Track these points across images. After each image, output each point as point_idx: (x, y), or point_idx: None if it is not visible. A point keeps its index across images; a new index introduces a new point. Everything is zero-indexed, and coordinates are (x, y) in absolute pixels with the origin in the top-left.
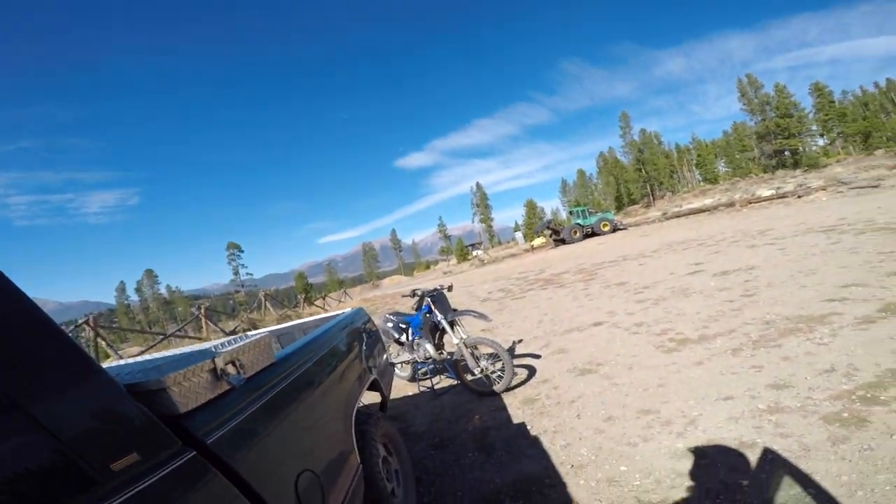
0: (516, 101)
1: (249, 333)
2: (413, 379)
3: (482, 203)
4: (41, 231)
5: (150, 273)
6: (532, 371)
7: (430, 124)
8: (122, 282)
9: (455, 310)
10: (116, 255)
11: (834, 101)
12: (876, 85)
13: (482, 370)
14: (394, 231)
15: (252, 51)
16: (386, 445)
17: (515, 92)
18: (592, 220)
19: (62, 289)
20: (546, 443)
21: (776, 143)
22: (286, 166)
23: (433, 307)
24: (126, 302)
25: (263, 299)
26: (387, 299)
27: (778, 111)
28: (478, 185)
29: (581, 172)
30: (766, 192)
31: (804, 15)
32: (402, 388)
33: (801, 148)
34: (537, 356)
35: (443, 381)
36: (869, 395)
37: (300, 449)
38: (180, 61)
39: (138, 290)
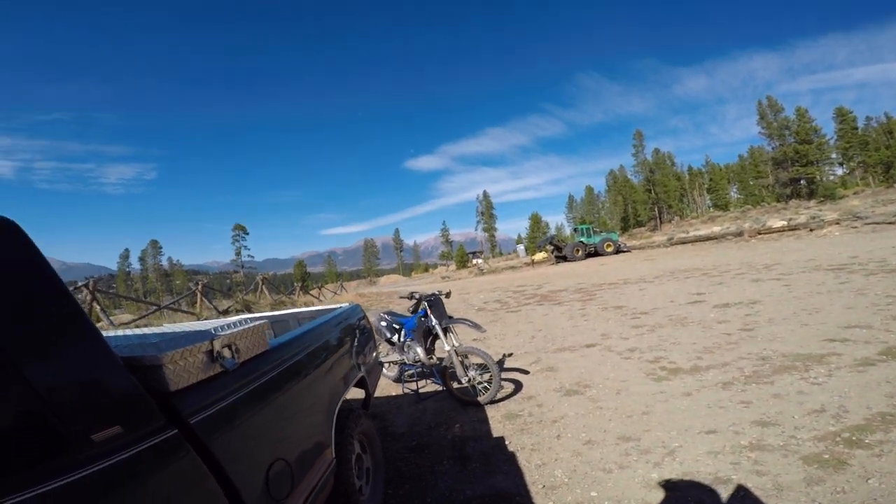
0: (531, 111)
1: (247, 317)
2: (398, 380)
3: (487, 212)
4: (59, 195)
5: (154, 244)
6: (519, 386)
7: (442, 128)
8: (126, 249)
9: (451, 317)
10: (127, 224)
11: (857, 128)
12: None
13: (470, 380)
14: (397, 230)
15: (273, 45)
16: (362, 443)
17: (531, 102)
18: (596, 239)
19: (68, 249)
20: (522, 460)
21: (793, 170)
22: (298, 157)
23: (429, 311)
24: (127, 269)
25: (261, 282)
26: (382, 297)
27: (797, 136)
28: (485, 193)
29: (589, 189)
30: (777, 223)
31: (833, 35)
32: (386, 387)
33: (818, 177)
34: (526, 372)
35: (428, 386)
36: (854, 438)
37: (279, 437)
38: (207, 50)
39: (142, 259)
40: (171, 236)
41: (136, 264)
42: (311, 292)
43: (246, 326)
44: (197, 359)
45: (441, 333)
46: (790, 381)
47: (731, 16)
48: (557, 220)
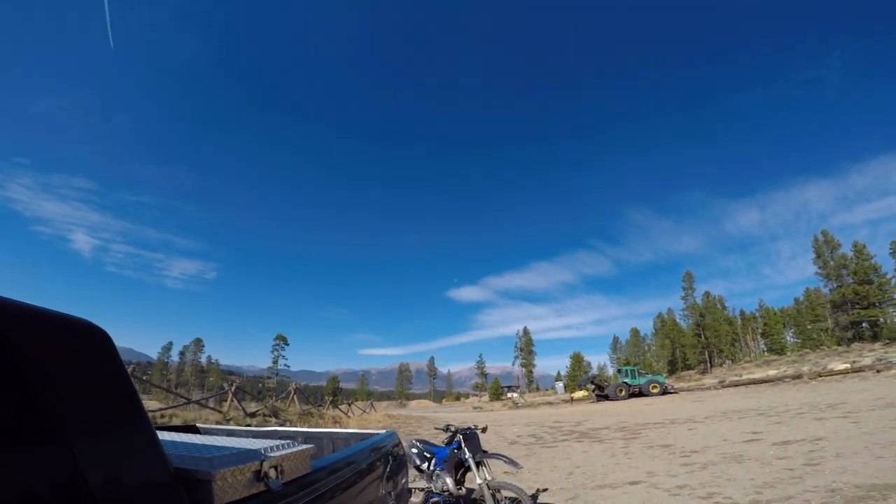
0: (578, 247)
1: (288, 430)
2: None
3: (527, 348)
4: (122, 280)
5: (198, 341)
6: None
7: (487, 260)
8: (170, 342)
9: (485, 451)
10: (176, 317)
11: None
12: None
13: None
14: (432, 358)
15: (340, 179)
16: None
17: (579, 238)
18: (642, 380)
19: (114, 332)
20: None
21: (853, 313)
22: (345, 280)
23: (463, 444)
24: (166, 360)
25: (293, 391)
26: (411, 420)
27: (856, 277)
28: (525, 329)
29: (635, 331)
30: (840, 366)
31: (885, 157)
32: None
33: (881, 319)
34: None
35: None
36: None
37: None
38: (290, 174)
39: (182, 353)
40: (214, 335)
41: (175, 357)
42: (341, 407)
43: (293, 449)
44: (245, 477)
45: (474, 467)
46: None
47: (781, 144)
48: (600, 360)
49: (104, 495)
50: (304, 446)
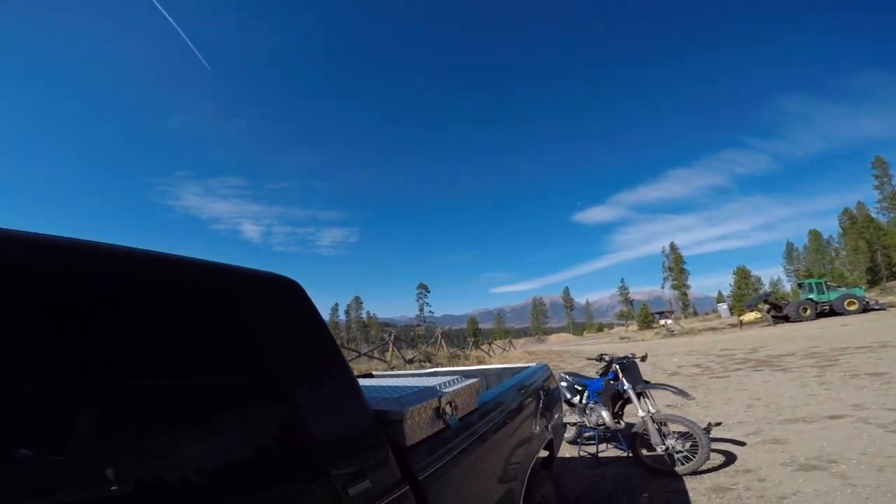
0: (721, 147)
1: (456, 370)
2: (574, 442)
3: (676, 266)
4: (288, 257)
5: (357, 299)
6: (730, 458)
7: (615, 176)
8: (336, 303)
9: (647, 381)
10: (335, 280)
11: None
12: None
13: (667, 448)
14: (567, 289)
15: (449, 121)
16: None
17: (720, 137)
18: (832, 295)
19: None
20: None
21: None
22: (471, 220)
23: (620, 375)
24: (336, 320)
25: (440, 336)
26: (552, 355)
27: None
28: (671, 245)
29: (815, 234)
30: None
31: None
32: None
33: None
34: (741, 443)
35: (608, 451)
36: None
37: (480, 495)
38: (398, 130)
39: (347, 312)
40: (368, 292)
41: (342, 316)
42: (482, 347)
43: (463, 384)
44: (427, 415)
45: (635, 398)
46: None
47: None
48: (772, 274)
49: (322, 441)
50: (472, 380)
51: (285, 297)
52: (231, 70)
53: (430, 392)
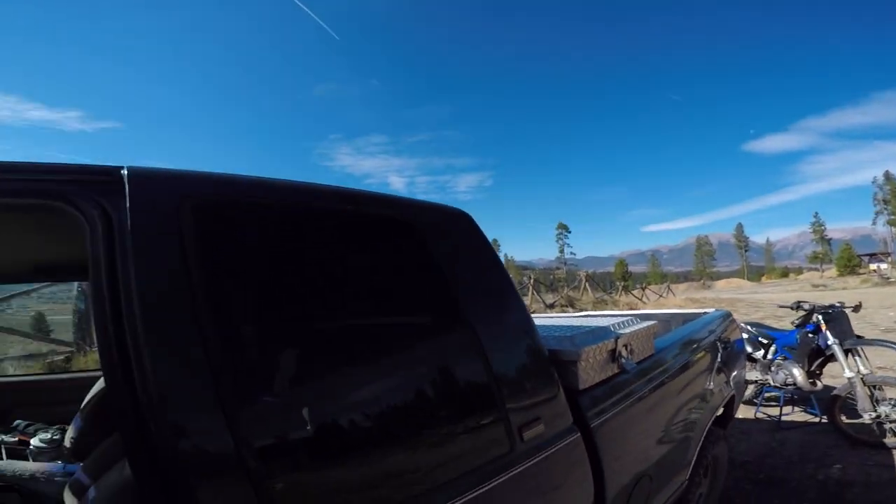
0: None
1: (632, 313)
2: (751, 402)
3: (893, 198)
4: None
5: (495, 242)
6: None
7: (797, 101)
8: None
9: (859, 336)
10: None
11: None
12: None
13: (879, 416)
14: (739, 226)
15: (580, 44)
16: (707, 466)
17: None
18: None
19: None
20: None
21: None
22: (616, 151)
23: (824, 327)
24: None
25: (584, 279)
26: (721, 304)
27: None
28: (886, 174)
29: None
30: None
31: None
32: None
33: None
34: None
35: (793, 416)
36: None
37: (651, 451)
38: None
39: None
40: (504, 234)
41: None
42: (633, 293)
43: (640, 326)
44: (602, 357)
45: (841, 355)
46: None
47: None
48: None
49: (500, 375)
50: (649, 322)
51: (466, 227)
52: (355, 36)
53: (604, 332)
